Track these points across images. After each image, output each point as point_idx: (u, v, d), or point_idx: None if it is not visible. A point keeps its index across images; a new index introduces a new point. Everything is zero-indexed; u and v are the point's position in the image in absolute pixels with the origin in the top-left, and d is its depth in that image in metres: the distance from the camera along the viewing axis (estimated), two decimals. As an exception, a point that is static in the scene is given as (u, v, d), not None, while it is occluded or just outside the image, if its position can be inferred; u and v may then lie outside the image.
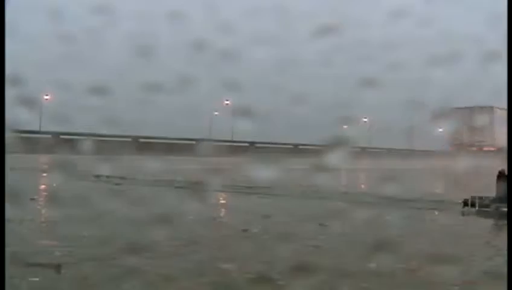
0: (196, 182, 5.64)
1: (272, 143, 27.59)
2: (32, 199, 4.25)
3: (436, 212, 4.15)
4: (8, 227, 2.00)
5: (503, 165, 3.59)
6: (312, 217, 3.72)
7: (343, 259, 2.41)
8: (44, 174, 7.44)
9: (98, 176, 6.15)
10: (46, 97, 23.41)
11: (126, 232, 2.82)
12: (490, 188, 3.96)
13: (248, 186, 5.40)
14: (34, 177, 7.18)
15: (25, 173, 7.53)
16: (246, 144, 27.37)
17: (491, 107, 28.44)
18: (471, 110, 31.25)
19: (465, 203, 4.04)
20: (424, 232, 3.41)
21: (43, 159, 10.76)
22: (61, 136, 21.01)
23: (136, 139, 25.11)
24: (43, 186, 5.94)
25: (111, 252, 2.34)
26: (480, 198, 3.97)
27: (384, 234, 3.12)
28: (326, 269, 2.16)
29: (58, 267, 2.04)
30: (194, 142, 22.07)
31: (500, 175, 3.83)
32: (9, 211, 2.18)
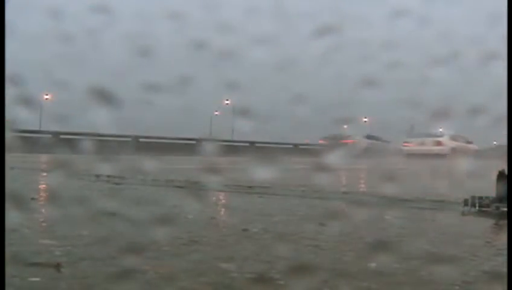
0: (196, 182, 5.64)
1: (272, 143, 27.52)
2: (33, 199, 4.25)
3: (436, 212, 4.16)
4: (8, 226, 2.00)
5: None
6: (312, 217, 3.72)
7: (342, 258, 2.41)
8: (45, 174, 7.44)
9: (98, 176, 6.16)
10: (46, 97, 23.45)
11: (126, 231, 2.83)
12: (490, 188, 3.96)
13: (249, 186, 5.41)
14: (34, 177, 7.19)
15: (25, 172, 7.55)
16: (246, 144, 27.37)
17: None
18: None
19: (466, 203, 4.05)
20: (424, 232, 3.41)
21: (43, 158, 10.76)
22: (61, 136, 21.02)
23: (136, 139, 25.09)
24: (43, 186, 5.95)
25: (111, 251, 2.34)
26: (480, 198, 3.98)
27: (383, 234, 3.13)
28: (325, 269, 2.16)
29: (58, 267, 2.04)
30: (194, 142, 22.06)
31: (500, 175, 3.82)
32: (9, 211, 2.17)
